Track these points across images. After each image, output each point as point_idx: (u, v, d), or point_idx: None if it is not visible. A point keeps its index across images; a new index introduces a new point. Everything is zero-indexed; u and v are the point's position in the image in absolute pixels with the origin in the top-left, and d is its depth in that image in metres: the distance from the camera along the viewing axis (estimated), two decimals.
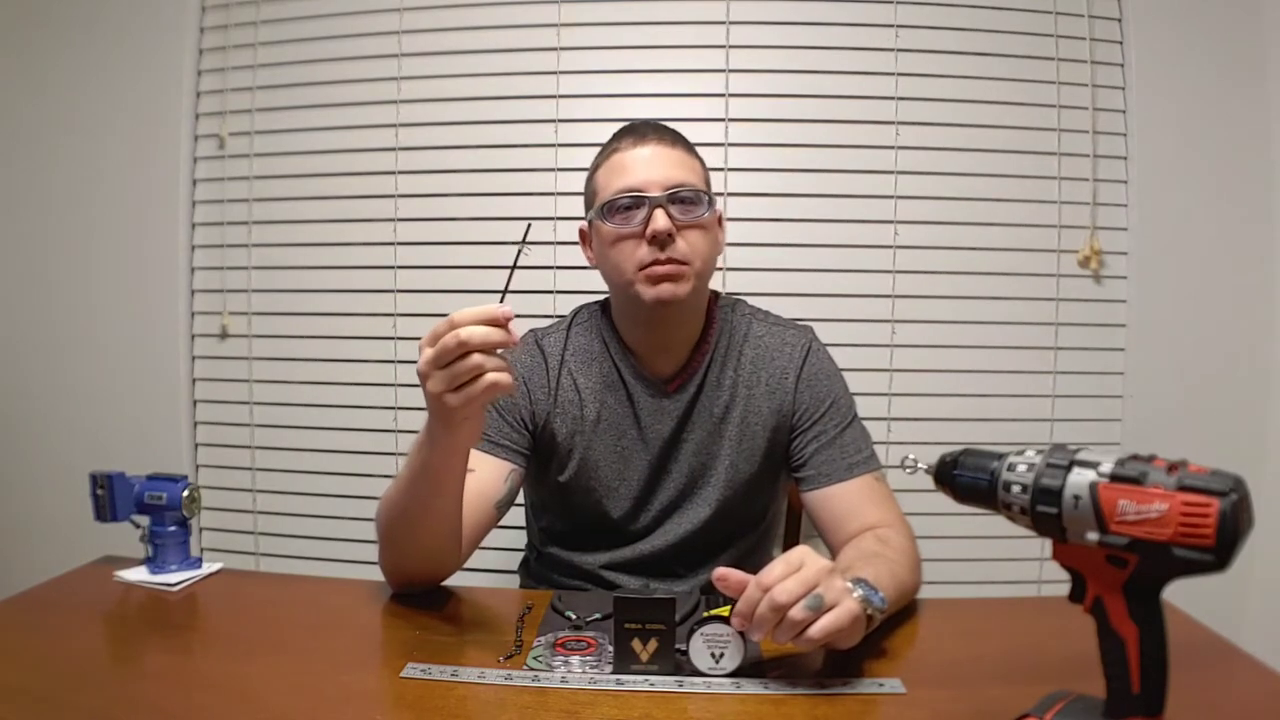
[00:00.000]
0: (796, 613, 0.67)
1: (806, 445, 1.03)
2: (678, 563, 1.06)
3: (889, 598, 0.77)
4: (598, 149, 1.60)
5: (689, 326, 1.05)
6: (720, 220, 1.06)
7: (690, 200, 0.97)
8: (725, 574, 0.71)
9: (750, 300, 1.15)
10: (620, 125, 1.58)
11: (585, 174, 1.66)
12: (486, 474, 0.98)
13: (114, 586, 0.94)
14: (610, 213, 0.98)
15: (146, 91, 1.71)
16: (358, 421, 1.70)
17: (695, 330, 1.06)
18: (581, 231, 1.08)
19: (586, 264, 1.66)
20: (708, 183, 1.03)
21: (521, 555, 1.26)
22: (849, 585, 0.73)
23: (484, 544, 1.65)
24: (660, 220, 0.94)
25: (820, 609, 0.68)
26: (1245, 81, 1.56)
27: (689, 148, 1.03)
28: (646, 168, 0.97)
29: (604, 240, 1.00)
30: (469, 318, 0.72)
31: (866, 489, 0.99)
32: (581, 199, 1.59)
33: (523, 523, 1.33)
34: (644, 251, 0.96)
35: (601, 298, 1.12)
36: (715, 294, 1.11)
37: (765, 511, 1.13)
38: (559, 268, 1.63)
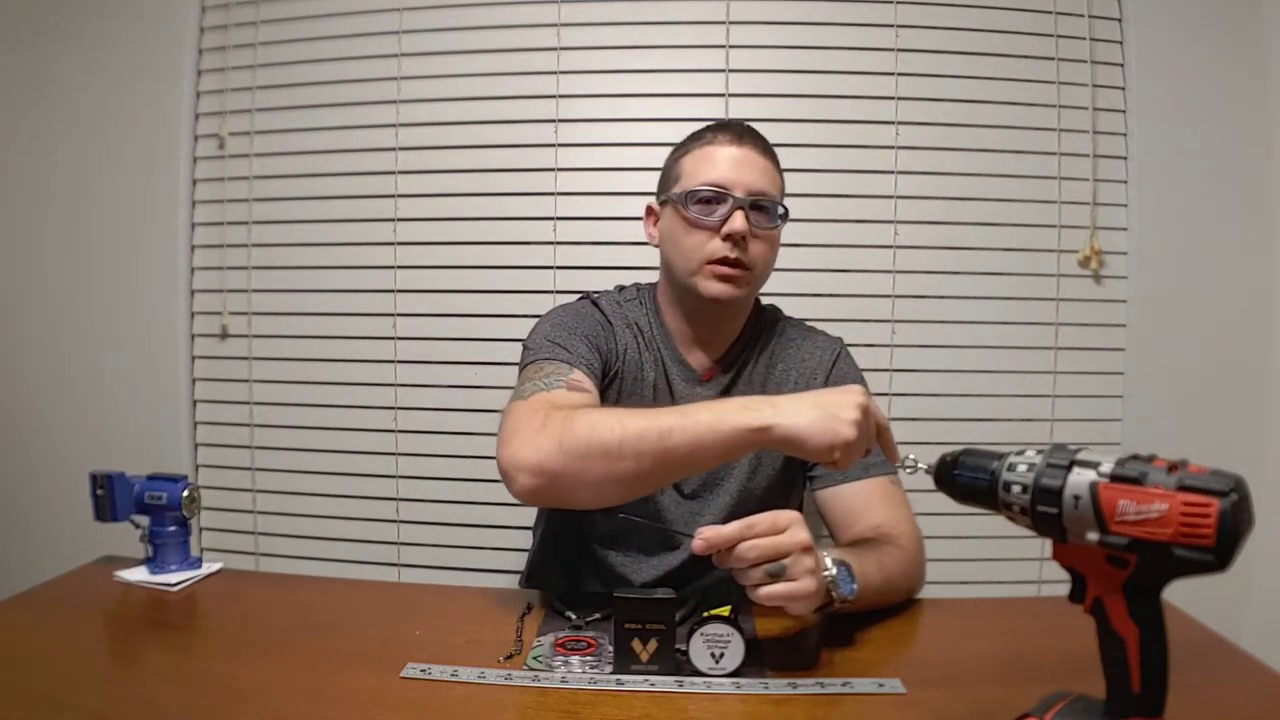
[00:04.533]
0: (755, 573, 0.72)
1: None
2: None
3: (867, 587, 0.80)
4: (590, 147, 1.60)
5: (731, 325, 1.09)
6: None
7: (768, 211, 1.01)
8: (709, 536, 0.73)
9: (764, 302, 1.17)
10: (619, 122, 1.61)
11: (580, 172, 1.65)
12: (596, 401, 0.97)
13: (114, 586, 0.94)
14: (693, 201, 1.00)
15: (146, 91, 1.71)
16: (358, 421, 1.70)
17: (736, 329, 1.09)
18: (649, 208, 1.11)
19: (587, 263, 1.67)
20: (783, 197, 1.06)
21: (525, 558, 1.26)
22: (827, 565, 0.77)
23: (484, 544, 1.67)
24: (739, 222, 0.97)
25: (778, 577, 0.72)
26: (1245, 81, 1.56)
27: (776, 161, 1.06)
28: (737, 168, 1.00)
29: (676, 224, 1.03)
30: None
31: (880, 490, 1.00)
32: (581, 198, 1.63)
33: (526, 522, 1.33)
34: (715, 245, 0.99)
35: (646, 281, 1.16)
36: (756, 299, 1.14)
37: None
38: (559, 268, 1.63)
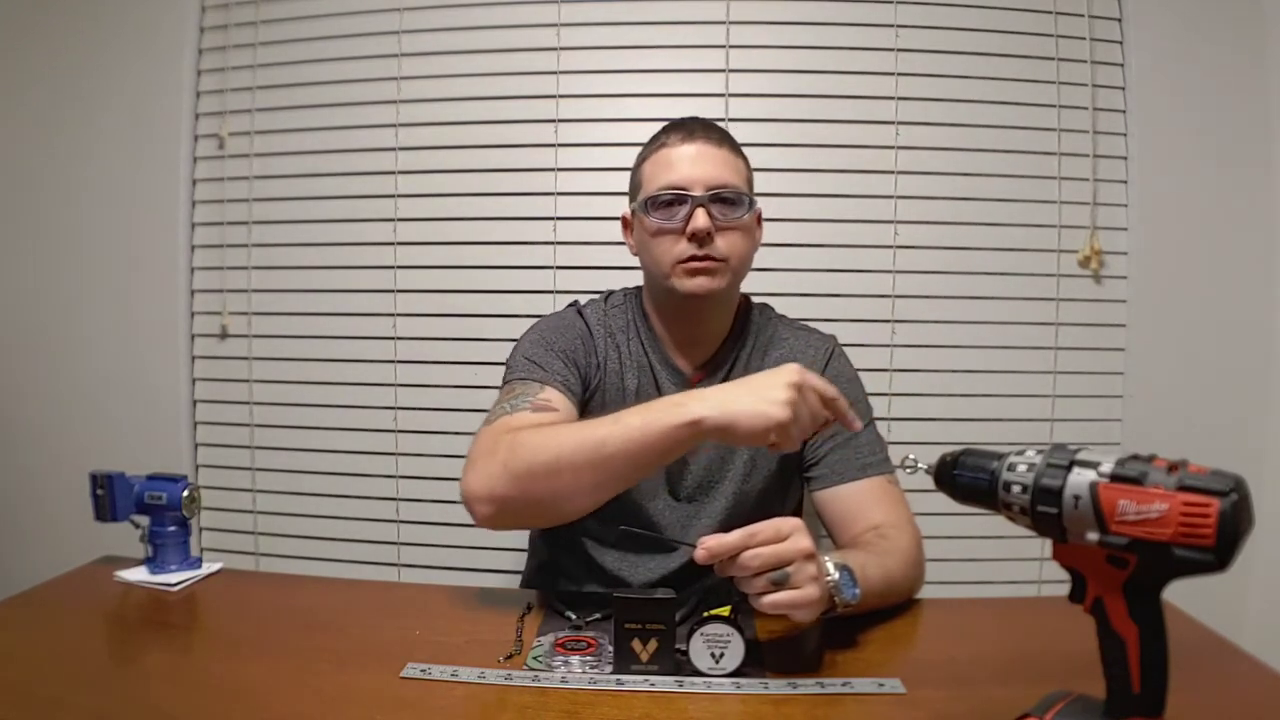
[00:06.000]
0: (759, 581, 0.71)
1: (822, 444, 1.05)
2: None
3: (869, 590, 0.80)
4: (591, 147, 1.59)
5: (718, 322, 1.08)
6: (759, 219, 1.08)
7: (731, 201, 1.00)
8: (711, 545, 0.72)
9: (754, 301, 1.16)
10: (619, 122, 1.61)
11: (580, 172, 1.66)
12: (568, 419, 0.97)
13: (114, 586, 0.94)
14: (653, 207, 1.00)
15: (146, 91, 1.71)
16: (358, 421, 1.70)
17: (724, 327, 1.08)
18: (624, 218, 1.11)
19: (587, 263, 1.67)
20: (750, 183, 1.06)
21: (525, 558, 1.25)
22: (829, 570, 0.76)
23: (484, 543, 1.67)
24: (700, 219, 0.97)
25: (782, 584, 0.71)
26: (1245, 81, 1.56)
27: (735, 148, 1.05)
28: (692, 166, 1.00)
29: (645, 232, 1.03)
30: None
31: (878, 489, 1.00)
32: (581, 198, 1.63)
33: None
34: (683, 247, 0.98)
35: (633, 286, 1.15)
36: (746, 297, 1.13)
37: None
38: (558, 268, 1.64)
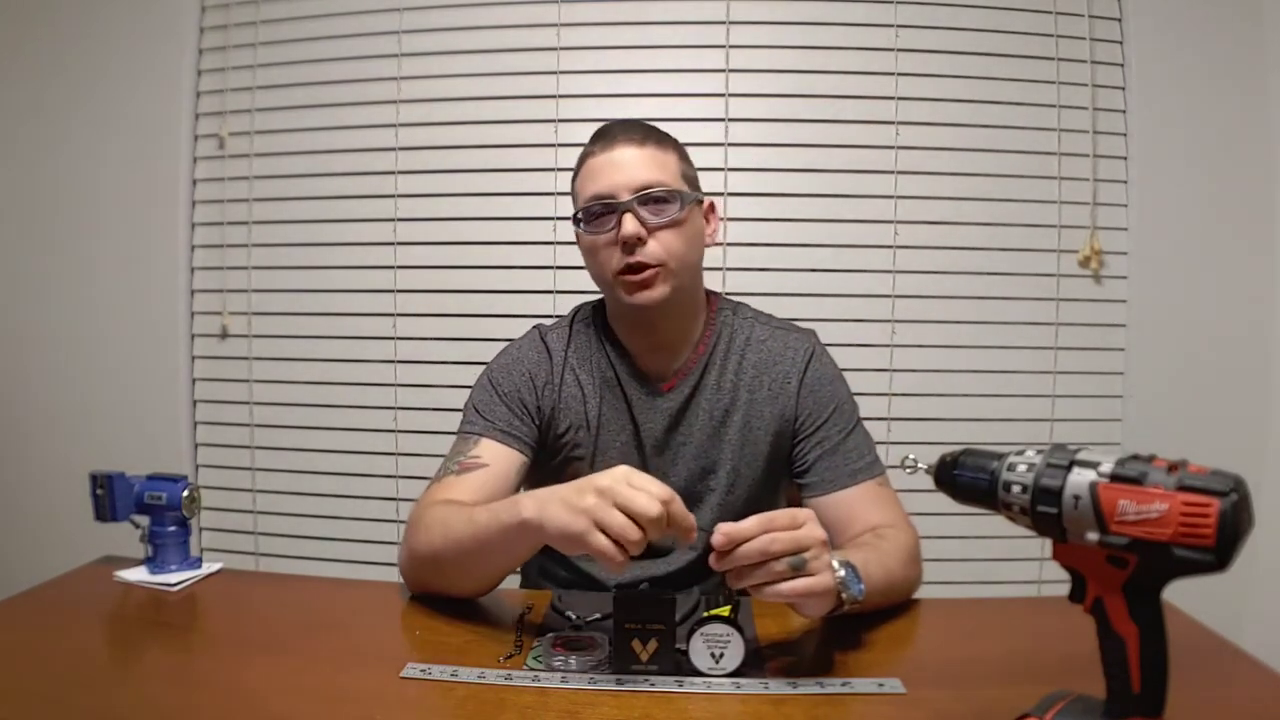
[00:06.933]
0: (779, 564, 0.71)
1: (809, 451, 1.03)
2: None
3: (873, 588, 0.79)
4: None
5: (681, 326, 1.04)
6: (712, 209, 1.05)
7: (661, 199, 0.96)
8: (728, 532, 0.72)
9: (751, 301, 1.14)
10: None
11: None
12: (503, 468, 0.97)
13: (114, 586, 0.94)
14: (586, 221, 0.98)
15: (147, 91, 1.71)
16: (358, 421, 1.70)
17: (690, 330, 1.05)
18: (577, 234, 1.08)
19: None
20: (687, 175, 1.02)
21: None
22: (835, 564, 0.75)
23: None
24: (629, 225, 0.94)
25: (800, 570, 0.71)
26: (1245, 81, 1.56)
27: (661, 142, 1.00)
28: (615, 172, 0.97)
29: (584, 247, 1.01)
30: (680, 513, 0.73)
31: (870, 494, 0.99)
32: None
33: None
34: (618, 257, 0.96)
35: (598, 296, 1.12)
36: (715, 295, 1.10)
37: None
38: (558, 268, 1.64)
